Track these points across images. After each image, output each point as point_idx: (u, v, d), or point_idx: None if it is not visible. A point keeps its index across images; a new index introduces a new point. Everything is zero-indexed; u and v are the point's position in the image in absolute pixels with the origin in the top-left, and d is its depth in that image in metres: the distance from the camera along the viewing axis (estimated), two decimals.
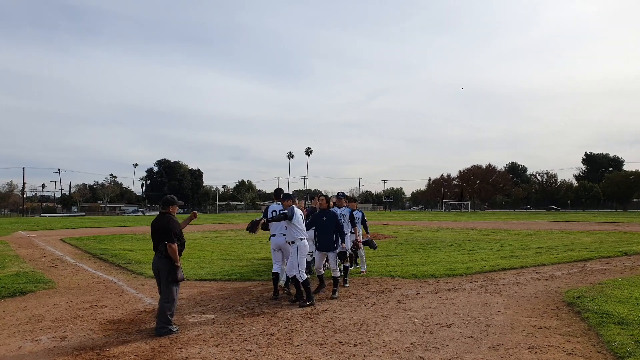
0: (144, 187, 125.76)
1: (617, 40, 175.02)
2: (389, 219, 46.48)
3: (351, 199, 10.02)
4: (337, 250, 7.78)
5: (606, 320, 5.60)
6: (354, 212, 9.30)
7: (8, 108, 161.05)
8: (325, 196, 8.03)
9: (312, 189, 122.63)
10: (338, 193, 9.42)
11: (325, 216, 7.71)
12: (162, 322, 5.59)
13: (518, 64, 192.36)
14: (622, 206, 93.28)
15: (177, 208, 6.01)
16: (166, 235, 5.66)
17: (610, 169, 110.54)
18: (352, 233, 9.00)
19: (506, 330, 5.48)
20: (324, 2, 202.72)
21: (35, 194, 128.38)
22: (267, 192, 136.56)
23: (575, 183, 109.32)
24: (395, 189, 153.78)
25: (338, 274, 7.75)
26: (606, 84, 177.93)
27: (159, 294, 5.88)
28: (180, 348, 5.01)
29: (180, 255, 5.80)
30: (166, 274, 5.71)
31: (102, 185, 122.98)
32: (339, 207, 8.95)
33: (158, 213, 6.04)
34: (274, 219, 7.48)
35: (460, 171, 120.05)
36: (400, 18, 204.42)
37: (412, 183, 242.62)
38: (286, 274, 7.63)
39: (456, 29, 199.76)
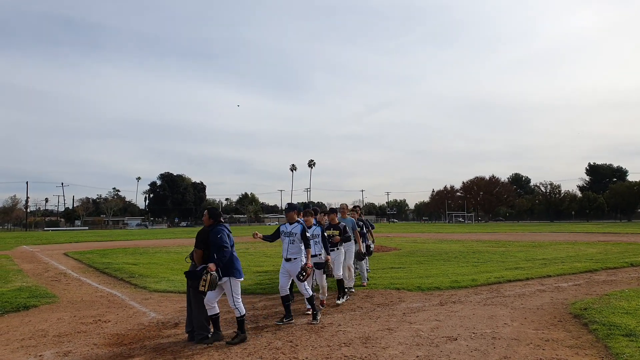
0: (147, 201, 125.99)
1: (618, 52, 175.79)
2: (393, 231, 46.32)
3: (330, 210, 8.60)
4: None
5: (614, 332, 5.54)
6: (314, 228, 7.49)
7: (12, 122, 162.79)
8: (209, 209, 6.23)
9: (316, 201, 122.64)
10: (291, 205, 7.25)
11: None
12: (198, 329, 5.79)
13: (519, 76, 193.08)
14: (626, 217, 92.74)
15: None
16: (196, 243, 6.02)
17: (614, 179, 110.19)
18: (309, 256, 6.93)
19: (513, 343, 5.42)
20: (325, 17, 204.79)
21: (39, 208, 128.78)
22: (270, 204, 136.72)
23: (579, 194, 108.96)
24: (398, 200, 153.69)
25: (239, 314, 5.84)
26: (609, 95, 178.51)
27: (187, 303, 6.18)
28: None
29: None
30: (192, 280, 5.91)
31: (105, 199, 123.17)
32: (290, 223, 6.91)
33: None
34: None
35: (463, 182, 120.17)
36: (400, 32, 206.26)
37: (416, 195, 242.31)
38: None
39: (456, 42, 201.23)
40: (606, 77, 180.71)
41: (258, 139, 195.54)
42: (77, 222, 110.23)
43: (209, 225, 6.09)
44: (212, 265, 5.59)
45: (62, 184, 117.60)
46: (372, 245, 10.47)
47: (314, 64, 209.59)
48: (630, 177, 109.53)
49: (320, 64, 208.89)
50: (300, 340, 5.77)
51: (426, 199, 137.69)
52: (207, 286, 5.41)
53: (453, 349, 5.25)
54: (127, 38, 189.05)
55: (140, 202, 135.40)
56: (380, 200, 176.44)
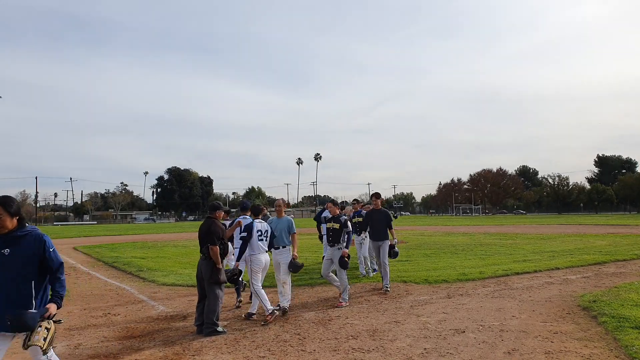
0: (155, 195, 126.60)
1: (625, 42, 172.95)
2: (400, 224, 46.27)
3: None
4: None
5: (623, 325, 5.51)
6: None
7: (20, 118, 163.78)
8: (4, 199, 3.54)
9: (322, 195, 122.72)
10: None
11: None
12: (208, 323, 5.83)
13: (525, 66, 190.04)
14: (636, 209, 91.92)
15: (223, 213, 6.41)
16: (208, 238, 5.95)
17: (624, 171, 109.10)
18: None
19: (521, 336, 5.41)
20: (330, 11, 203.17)
21: (48, 203, 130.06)
22: (276, 198, 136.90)
23: (587, 186, 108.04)
24: (405, 193, 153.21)
25: None
26: (616, 86, 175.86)
27: (198, 297, 6.21)
28: (194, 355, 5.01)
29: (223, 258, 6.13)
30: (208, 275, 5.95)
31: (114, 194, 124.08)
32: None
33: (205, 218, 6.32)
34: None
35: (470, 175, 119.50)
36: (405, 24, 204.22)
37: (423, 188, 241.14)
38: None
39: (461, 33, 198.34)
40: (614, 67, 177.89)
41: (264, 133, 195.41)
42: (86, 217, 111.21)
43: (13, 229, 3.54)
44: (53, 307, 3.50)
45: (71, 179, 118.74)
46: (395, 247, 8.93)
47: (319, 57, 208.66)
48: None
49: (325, 58, 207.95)
50: (308, 332, 5.80)
51: (433, 191, 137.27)
52: (48, 342, 3.27)
53: (461, 341, 5.24)
54: (133, 34, 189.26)
55: (148, 197, 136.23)
56: (387, 193, 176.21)
